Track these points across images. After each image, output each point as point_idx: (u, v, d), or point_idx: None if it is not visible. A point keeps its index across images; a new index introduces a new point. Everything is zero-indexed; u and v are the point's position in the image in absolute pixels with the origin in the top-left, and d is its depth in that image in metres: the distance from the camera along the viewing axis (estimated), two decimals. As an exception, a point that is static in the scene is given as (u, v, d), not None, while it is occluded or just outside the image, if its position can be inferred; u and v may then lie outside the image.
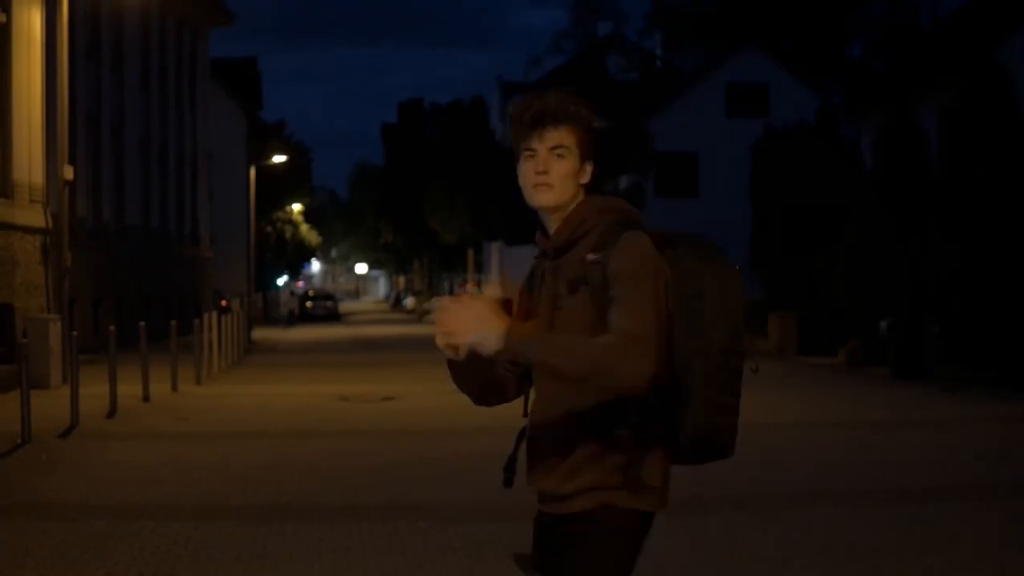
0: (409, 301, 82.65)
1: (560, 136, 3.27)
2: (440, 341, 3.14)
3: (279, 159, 56.60)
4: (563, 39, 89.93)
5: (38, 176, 20.83)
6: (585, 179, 3.32)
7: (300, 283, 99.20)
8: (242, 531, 8.87)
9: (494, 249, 71.45)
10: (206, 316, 23.03)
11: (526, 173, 3.30)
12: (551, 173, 3.26)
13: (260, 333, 44.15)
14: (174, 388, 19.38)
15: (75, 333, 15.55)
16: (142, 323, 18.54)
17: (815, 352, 27.51)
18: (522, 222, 46.77)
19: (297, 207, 71.45)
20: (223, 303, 42.26)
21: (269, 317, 61.55)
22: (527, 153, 3.30)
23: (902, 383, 21.23)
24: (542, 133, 3.28)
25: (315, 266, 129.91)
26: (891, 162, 24.82)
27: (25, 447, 13.08)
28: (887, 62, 54.60)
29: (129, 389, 18.14)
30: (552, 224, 3.34)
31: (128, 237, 33.03)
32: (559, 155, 3.27)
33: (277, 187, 64.27)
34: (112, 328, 16.79)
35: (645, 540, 3.30)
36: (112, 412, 16.11)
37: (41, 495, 10.38)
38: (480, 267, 69.17)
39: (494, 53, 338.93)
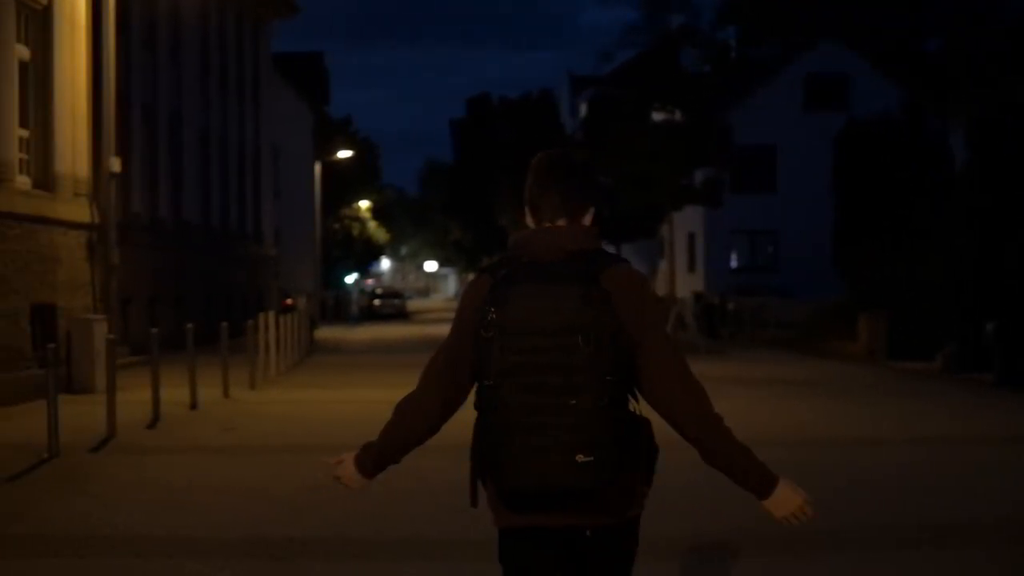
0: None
1: None
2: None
3: (345, 154, 55.64)
4: (633, 33, 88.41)
5: (83, 168, 19.71)
6: (530, 219, 3.61)
7: (370, 281, 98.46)
8: (269, 569, 7.59)
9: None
10: (261, 316, 21.84)
11: None
12: None
13: (325, 332, 43.11)
14: (225, 394, 18.20)
15: (111, 336, 14.39)
16: (189, 325, 17.39)
17: (908, 356, 25.82)
18: (595, 220, 45.30)
19: (365, 204, 70.53)
20: (287, 302, 41.38)
21: (341, 316, 60.59)
22: None
23: (1009, 392, 19.56)
24: None
25: (384, 264, 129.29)
26: (991, 156, 23.12)
27: (51, 462, 11.90)
28: (973, 55, 52.70)
29: (178, 395, 17.02)
30: None
31: (186, 234, 32.01)
32: None
33: (344, 183, 63.41)
34: (155, 330, 15.61)
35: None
36: (154, 421, 14.94)
37: (52, 523, 9.14)
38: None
39: (560, 52, 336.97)
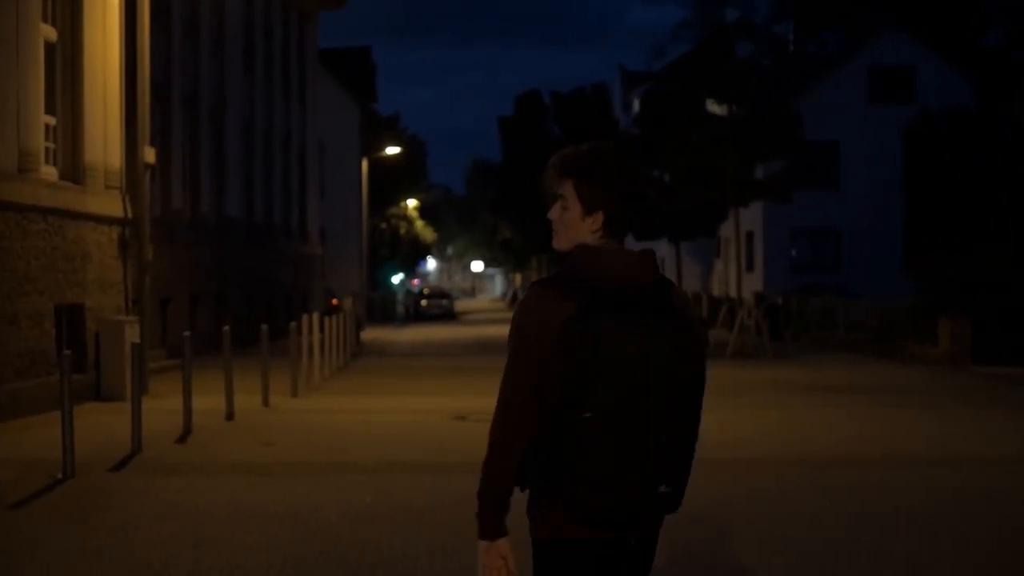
0: (526, 300, 79.80)
1: (563, 187, 3.41)
2: None
3: (393, 151, 54.37)
4: (686, 28, 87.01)
5: (115, 159, 18.32)
6: (595, 227, 3.39)
7: (416, 281, 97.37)
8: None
9: (616, 246, 68.35)
10: (304, 318, 20.47)
11: None
12: (554, 220, 3.45)
13: (371, 333, 41.78)
14: (265, 403, 16.80)
15: (136, 341, 13.00)
16: (226, 327, 16.02)
17: (993, 361, 24.14)
18: (648, 217, 43.79)
19: (412, 203, 69.29)
20: (333, 302, 40.22)
21: (387, 316, 59.32)
22: None
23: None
24: (552, 183, 3.45)
25: (431, 264, 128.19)
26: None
27: (64, 484, 10.53)
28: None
29: (214, 403, 15.69)
30: None
31: (229, 231, 30.72)
32: (562, 206, 3.42)
33: (391, 182, 62.16)
34: (187, 333, 14.27)
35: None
36: (185, 434, 13.58)
37: (55, 561, 7.74)
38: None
39: (606, 52, 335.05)
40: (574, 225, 3.39)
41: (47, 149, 16.86)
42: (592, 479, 3.21)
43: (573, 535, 3.34)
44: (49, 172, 16.74)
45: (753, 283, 46.85)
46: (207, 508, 9.54)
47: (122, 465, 11.55)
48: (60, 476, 10.70)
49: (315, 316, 21.80)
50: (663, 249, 59.41)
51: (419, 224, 70.19)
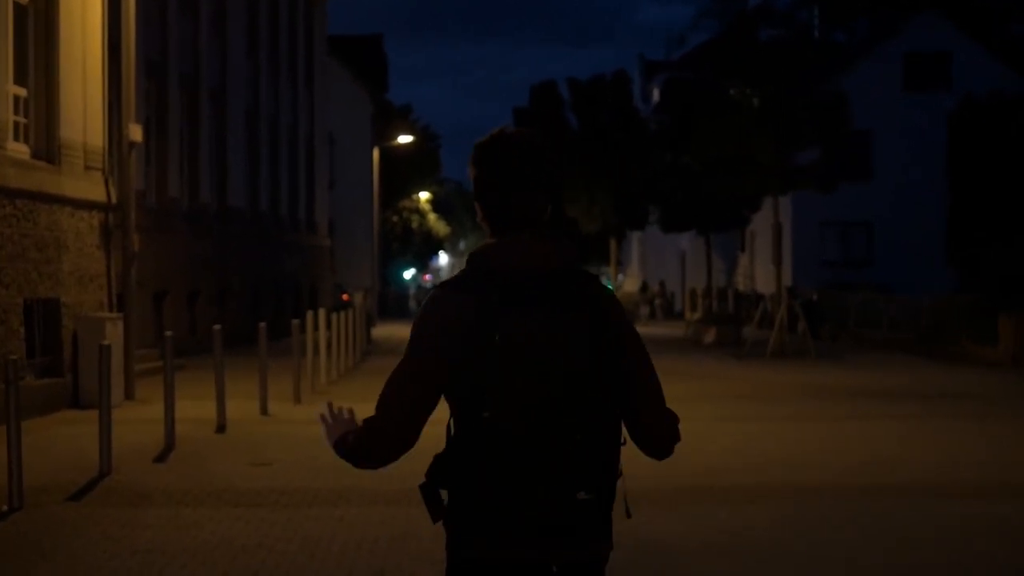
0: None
1: None
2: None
3: (405, 139, 52.46)
4: (704, 17, 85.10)
5: (96, 137, 16.34)
6: (480, 217, 3.20)
7: (428, 276, 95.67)
8: None
9: (635, 239, 66.37)
10: (309, 315, 18.56)
11: None
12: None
13: (383, 330, 39.86)
14: (263, 411, 14.85)
15: (106, 343, 11.06)
16: (217, 326, 14.10)
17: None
18: (675, 208, 41.93)
19: (425, 196, 67.38)
20: (343, 297, 38.59)
21: (400, 312, 57.57)
22: None
23: None
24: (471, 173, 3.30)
25: (443, 258, 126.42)
26: None
27: (9, 519, 8.61)
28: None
29: (205, 410, 13.82)
30: None
31: (231, 221, 28.79)
32: None
33: (404, 174, 60.27)
34: (169, 333, 12.36)
35: None
36: (166, 451, 11.64)
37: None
38: (622, 260, 64.26)
39: (616, 49, 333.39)
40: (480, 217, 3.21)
41: (16, 124, 14.94)
42: (504, 482, 2.95)
43: (489, 556, 2.99)
44: (18, 149, 14.81)
45: (782, 278, 44.88)
46: (183, 551, 7.62)
47: (85, 492, 9.61)
48: (5, 508, 8.80)
49: (322, 312, 19.89)
50: (684, 242, 57.43)
51: (432, 217, 68.24)
